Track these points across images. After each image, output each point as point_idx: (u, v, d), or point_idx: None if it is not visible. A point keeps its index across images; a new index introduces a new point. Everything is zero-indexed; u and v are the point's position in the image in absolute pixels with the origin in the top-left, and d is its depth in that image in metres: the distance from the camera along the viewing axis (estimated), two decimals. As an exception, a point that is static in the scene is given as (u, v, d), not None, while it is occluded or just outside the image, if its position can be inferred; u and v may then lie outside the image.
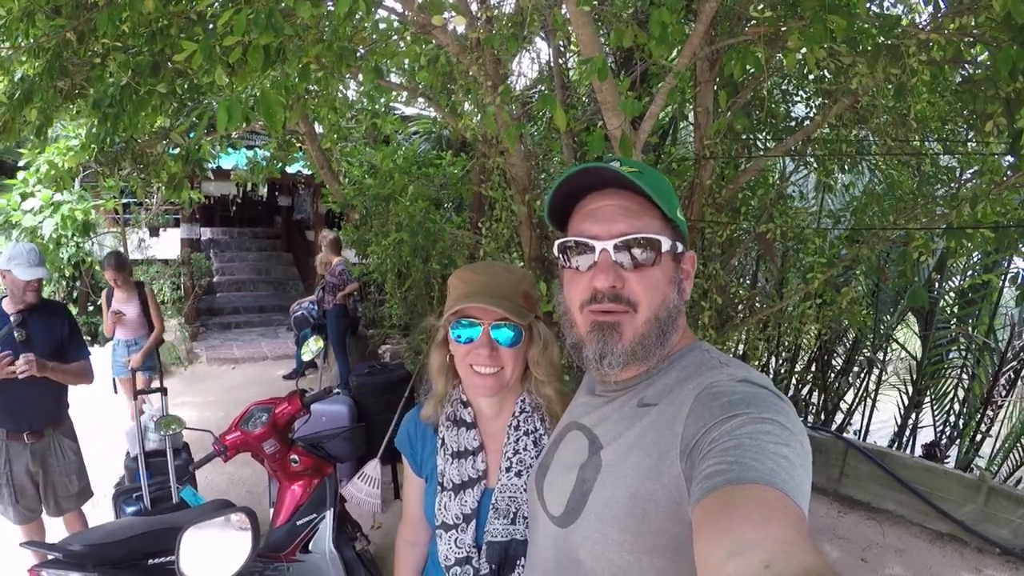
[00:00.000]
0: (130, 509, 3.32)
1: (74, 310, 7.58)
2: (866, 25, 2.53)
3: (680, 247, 1.06)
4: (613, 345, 1.01)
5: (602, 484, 0.99)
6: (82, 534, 2.52)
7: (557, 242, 1.09)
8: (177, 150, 5.01)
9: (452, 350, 1.42)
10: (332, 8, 2.53)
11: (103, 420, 5.72)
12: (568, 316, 1.10)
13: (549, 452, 1.18)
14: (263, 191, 8.21)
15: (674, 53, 3.23)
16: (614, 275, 1.00)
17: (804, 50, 2.43)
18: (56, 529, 3.47)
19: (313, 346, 3.58)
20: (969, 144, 3.59)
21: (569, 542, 1.01)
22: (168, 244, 9.76)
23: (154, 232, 9.42)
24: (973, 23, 2.30)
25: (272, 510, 2.76)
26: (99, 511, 3.84)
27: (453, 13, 2.76)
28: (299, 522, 2.68)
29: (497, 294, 1.34)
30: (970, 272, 5.79)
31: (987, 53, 2.63)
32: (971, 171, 3.50)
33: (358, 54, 2.84)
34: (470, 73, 2.97)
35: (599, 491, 0.98)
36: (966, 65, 2.79)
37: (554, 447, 1.17)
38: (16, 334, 3.12)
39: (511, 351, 1.37)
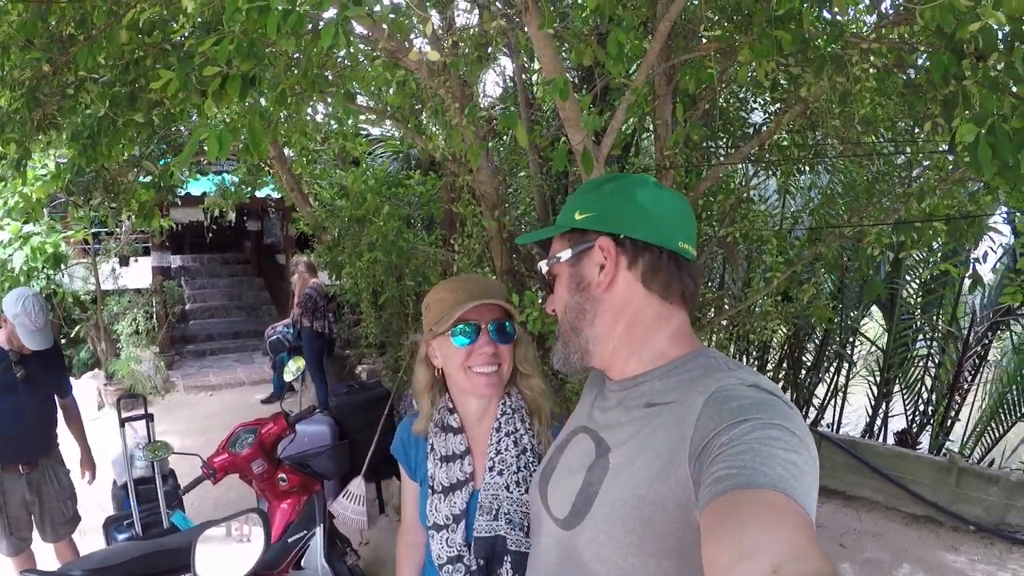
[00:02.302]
0: (122, 536, 3.32)
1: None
2: (813, 36, 2.66)
3: (571, 251, 1.11)
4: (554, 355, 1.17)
5: (609, 486, 0.99)
6: (80, 560, 2.53)
7: None
8: (148, 178, 5.01)
9: (447, 358, 1.46)
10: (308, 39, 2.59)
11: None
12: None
13: (554, 456, 1.19)
14: (232, 216, 8.17)
15: (633, 68, 3.34)
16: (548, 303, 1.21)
17: (755, 63, 2.56)
18: (47, 559, 3.46)
19: (293, 366, 3.61)
20: (918, 141, 3.75)
21: (574, 544, 1.02)
22: (139, 273, 9.61)
23: (124, 262, 9.27)
24: (910, 32, 2.44)
25: (263, 530, 2.79)
26: (89, 540, 3.82)
27: (427, 45, 2.83)
28: (290, 539, 2.72)
29: (491, 294, 1.42)
30: (931, 262, 5.93)
31: (925, 58, 2.78)
32: (918, 168, 3.66)
33: (329, 79, 2.91)
34: (438, 94, 3.05)
35: (606, 493, 0.99)
36: (910, 70, 2.94)
37: (559, 451, 1.18)
38: (16, 371, 3.14)
39: (507, 348, 1.44)
